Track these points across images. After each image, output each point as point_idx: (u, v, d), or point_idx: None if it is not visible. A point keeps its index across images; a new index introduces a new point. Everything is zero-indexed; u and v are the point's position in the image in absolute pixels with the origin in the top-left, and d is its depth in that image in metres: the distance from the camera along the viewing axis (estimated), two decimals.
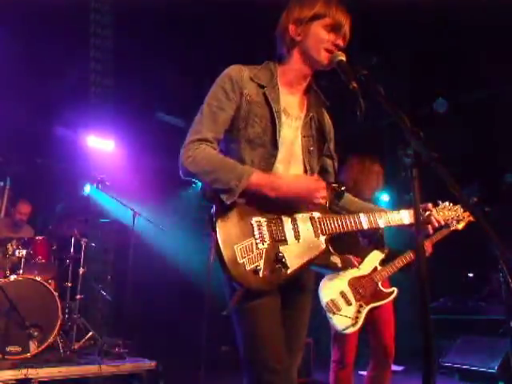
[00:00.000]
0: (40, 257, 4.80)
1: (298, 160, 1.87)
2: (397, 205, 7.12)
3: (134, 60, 6.15)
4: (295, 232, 1.74)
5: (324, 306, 2.99)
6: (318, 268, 1.83)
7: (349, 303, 3.01)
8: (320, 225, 1.79)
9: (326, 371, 3.24)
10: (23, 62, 5.26)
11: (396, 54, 5.69)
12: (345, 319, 2.97)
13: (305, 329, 1.89)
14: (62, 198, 5.94)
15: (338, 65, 1.74)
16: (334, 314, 2.96)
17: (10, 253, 4.69)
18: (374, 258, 3.17)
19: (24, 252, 4.63)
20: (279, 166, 1.81)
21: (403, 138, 1.36)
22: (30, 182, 5.63)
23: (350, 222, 1.83)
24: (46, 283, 4.43)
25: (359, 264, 3.09)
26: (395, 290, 3.15)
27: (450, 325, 5.77)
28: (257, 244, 1.66)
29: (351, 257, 3.00)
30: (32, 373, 3.78)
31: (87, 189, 5.68)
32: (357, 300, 3.02)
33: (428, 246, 3.06)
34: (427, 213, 1.99)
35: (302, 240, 1.74)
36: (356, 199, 2.12)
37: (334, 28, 1.79)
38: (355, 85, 1.62)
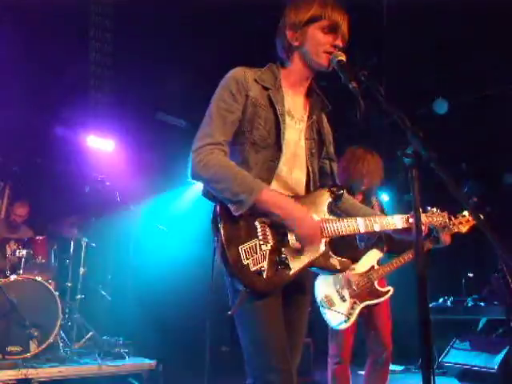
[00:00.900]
0: (40, 257, 4.79)
1: (302, 162, 1.88)
2: (397, 205, 7.12)
3: (134, 60, 6.14)
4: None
5: (319, 301, 3.03)
6: (317, 269, 1.83)
7: (343, 299, 3.03)
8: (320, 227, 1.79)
9: (326, 371, 3.24)
10: (23, 62, 5.26)
11: (396, 54, 5.68)
12: (338, 315, 3.00)
13: (304, 329, 1.90)
14: (62, 198, 5.93)
15: (338, 65, 1.74)
16: (327, 309, 3.00)
17: (8, 253, 4.69)
18: (372, 256, 3.18)
19: (24, 252, 4.63)
20: (283, 168, 1.82)
21: (403, 138, 1.36)
22: (29, 182, 5.62)
23: (349, 226, 1.83)
24: (46, 283, 4.43)
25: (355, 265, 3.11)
26: (391, 289, 3.17)
27: (449, 325, 5.77)
28: (260, 245, 1.66)
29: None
30: (32, 373, 3.79)
31: (87, 189, 5.67)
32: (351, 297, 3.04)
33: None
34: None
35: None
36: (357, 203, 2.13)
37: (332, 29, 1.78)
38: (355, 85, 1.62)
